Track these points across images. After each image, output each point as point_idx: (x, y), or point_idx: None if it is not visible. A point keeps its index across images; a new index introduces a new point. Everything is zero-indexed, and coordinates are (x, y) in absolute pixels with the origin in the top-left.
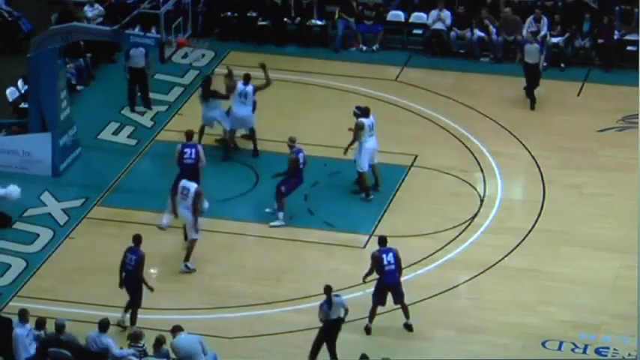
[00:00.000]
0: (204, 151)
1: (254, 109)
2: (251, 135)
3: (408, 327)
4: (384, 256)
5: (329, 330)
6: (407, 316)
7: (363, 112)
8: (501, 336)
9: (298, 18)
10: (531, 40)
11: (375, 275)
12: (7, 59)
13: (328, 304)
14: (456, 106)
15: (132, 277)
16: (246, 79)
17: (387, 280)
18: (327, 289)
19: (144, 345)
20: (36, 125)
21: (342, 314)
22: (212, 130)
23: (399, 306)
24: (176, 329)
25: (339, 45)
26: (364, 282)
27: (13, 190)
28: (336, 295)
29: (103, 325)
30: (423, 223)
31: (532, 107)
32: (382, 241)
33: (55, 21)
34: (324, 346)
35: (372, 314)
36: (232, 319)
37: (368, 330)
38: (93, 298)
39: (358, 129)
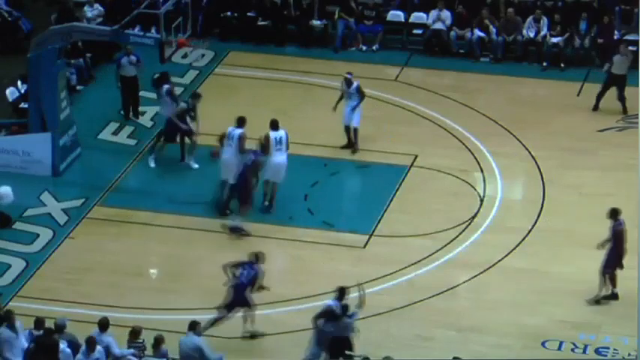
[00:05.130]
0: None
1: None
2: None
3: (615, 296)
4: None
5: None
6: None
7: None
8: (501, 336)
9: (298, 18)
10: (625, 52)
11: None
12: (7, 59)
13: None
14: (456, 106)
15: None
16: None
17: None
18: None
19: (143, 341)
20: (36, 125)
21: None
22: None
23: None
24: (192, 326)
25: (339, 45)
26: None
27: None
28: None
29: (103, 325)
30: (423, 223)
31: (624, 112)
32: (616, 213)
33: (55, 20)
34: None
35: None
36: (232, 319)
37: (616, 296)
38: (93, 298)
39: None
